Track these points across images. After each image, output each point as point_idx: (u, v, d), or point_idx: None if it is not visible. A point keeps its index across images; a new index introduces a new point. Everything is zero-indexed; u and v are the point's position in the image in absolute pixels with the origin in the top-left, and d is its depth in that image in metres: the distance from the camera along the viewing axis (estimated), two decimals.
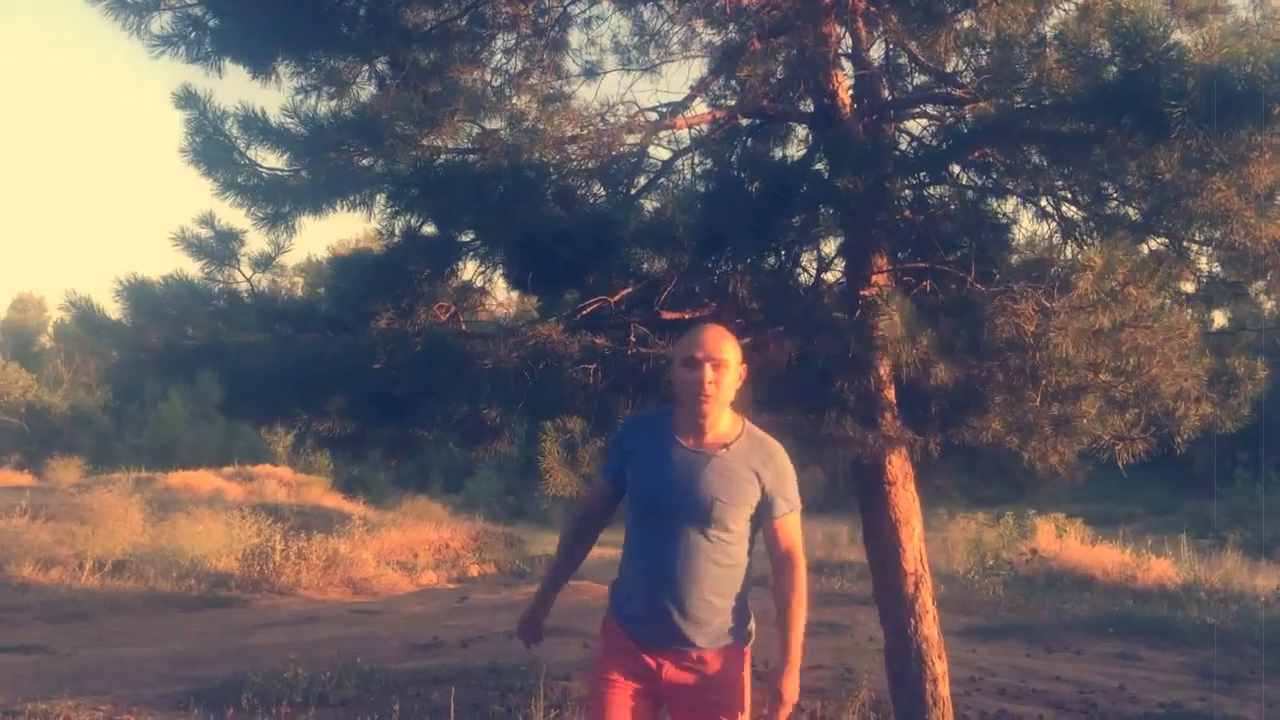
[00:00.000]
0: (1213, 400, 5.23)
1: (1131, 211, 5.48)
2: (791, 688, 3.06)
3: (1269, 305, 10.61)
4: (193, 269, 5.68)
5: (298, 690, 6.71)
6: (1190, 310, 5.79)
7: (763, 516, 3.09)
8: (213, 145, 5.17)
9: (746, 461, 3.06)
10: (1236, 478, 25.23)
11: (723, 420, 3.08)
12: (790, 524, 3.13)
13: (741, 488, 3.04)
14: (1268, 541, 18.99)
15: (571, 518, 3.46)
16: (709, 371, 2.97)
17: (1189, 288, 6.00)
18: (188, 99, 5.11)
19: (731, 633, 3.11)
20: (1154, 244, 5.61)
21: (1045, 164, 5.06)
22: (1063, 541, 16.08)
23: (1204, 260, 5.86)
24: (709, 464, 3.03)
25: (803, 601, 3.11)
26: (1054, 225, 5.77)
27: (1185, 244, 5.53)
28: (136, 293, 5.47)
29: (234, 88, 5.60)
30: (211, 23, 5.34)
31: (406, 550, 17.37)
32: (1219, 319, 7.27)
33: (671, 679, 3.08)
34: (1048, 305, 4.16)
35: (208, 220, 5.59)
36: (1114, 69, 3.88)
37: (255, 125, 5.04)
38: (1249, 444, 28.90)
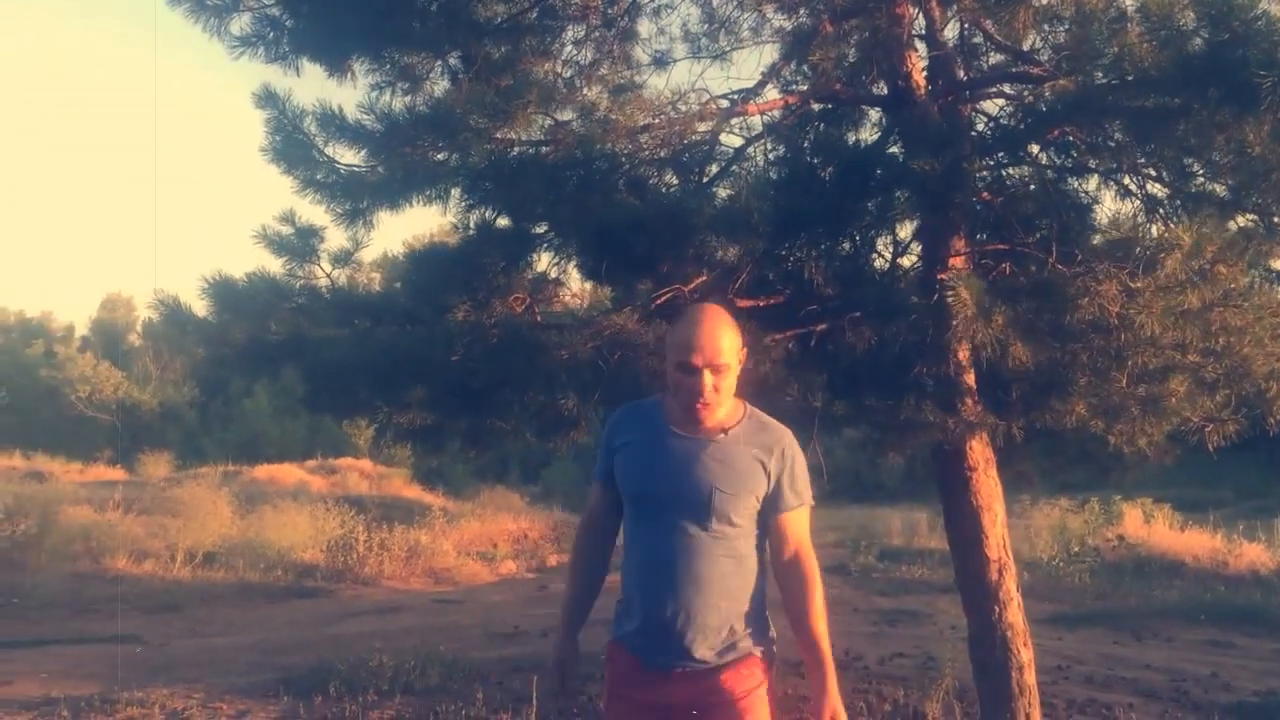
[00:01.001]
0: None
1: (1218, 188, 5.32)
2: (836, 705, 2.69)
3: None
4: (274, 266, 5.79)
5: (383, 678, 6.83)
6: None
7: (768, 511, 2.74)
8: (292, 143, 5.26)
9: (750, 447, 2.72)
10: None
11: (722, 409, 2.74)
12: (799, 520, 2.77)
13: (744, 476, 2.70)
14: None
15: (576, 537, 3.05)
16: (708, 379, 2.64)
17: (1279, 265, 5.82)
18: (267, 98, 5.20)
19: (745, 644, 2.71)
20: (1242, 221, 5.45)
21: (1127, 141, 4.94)
22: (1150, 527, 15.75)
23: None
24: (706, 450, 2.70)
25: (822, 610, 2.75)
26: (1137, 204, 5.63)
27: (1276, 220, 5.35)
28: (221, 290, 5.59)
29: (311, 86, 5.71)
30: (288, 23, 5.42)
31: (486, 540, 17.58)
32: None
33: (683, 704, 2.68)
34: (1133, 286, 4.06)
35: (288, 218, 5.69)
36: (1199, 40, 3.77)
37: (332, 122, 5.11)
38: None
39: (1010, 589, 5.32)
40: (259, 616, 10.80)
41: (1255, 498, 24.53)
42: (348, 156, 5.33)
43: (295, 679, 6.99)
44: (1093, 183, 5.53)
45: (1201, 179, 5.40)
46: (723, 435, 2.72)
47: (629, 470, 2.79)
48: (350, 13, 5.25)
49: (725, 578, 2.67)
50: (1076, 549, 14.29)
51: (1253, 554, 13.81)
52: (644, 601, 2.71)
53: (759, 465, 2.71)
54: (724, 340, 2.65)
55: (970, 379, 5.04)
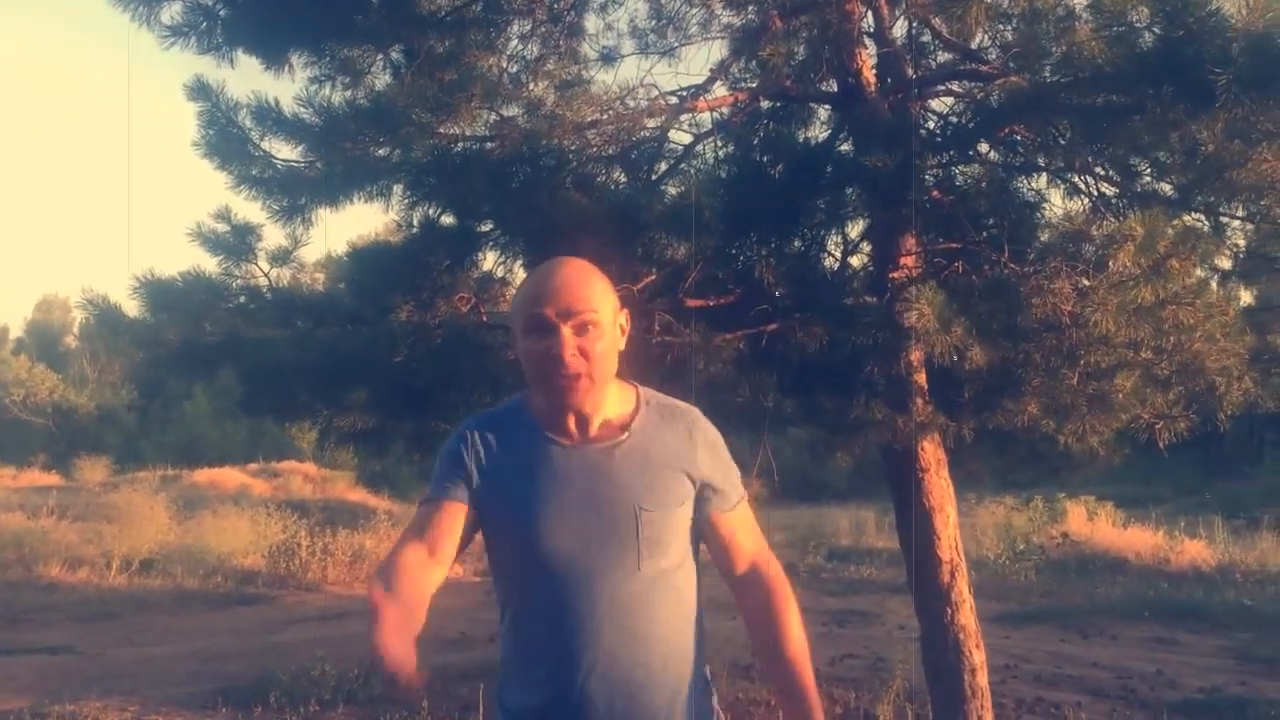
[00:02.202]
0: (1254, 378, 5.08)
1: (1165, 187, 5.34)
2: None
3: None
4: (210, 265, 5.62)
5: (326, 687, 6.69)
6: (1227, 286, 5.66)
7: (701, 519, 2.06)
8: (226, 137, 5.09)
9: (662, 443, 2.04)
10: (1266, 457, 25.00)
11: (608, 399, 2.03)
12: (745, 517, 2.12)
13: (667, 482, 2.00)
14: None
15: (387, 561, 1.98)
16: (568, 336, 1.91)
17: (1226, 264, 5.87)
18: (200, 90, 5.03)
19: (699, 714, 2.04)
20: (1189, 220, 5.47)
21: (1076, 139, 4.93)
22: (1094, 525, 15.90)
23: (1241, 237, 5.72)
24: (610, 459, 1.99)
25: (802, 633, 2.09)
26: (1086, 203, 5.63)
27: (1223, 219, 5.38)
28: (153, 290, 5.40)
29: (247, 79, 5.53)
30: (222, 13, 5.25)
31: None
32: (1245, 297, 7.12)
33: None
34: (1086, 283, 4.03)
35: (224, 215, 5.50)
36: (1152, 36, 3.74)
37: (269, 116, 4.96)
38: (1277, 424, 28.68)
39: (962, 590, 5.29)
40: (198, 625, 10.55)
41: (1193, 495, 24.94)
42: (285, 151, 5.18)
43: (235, 689, 6.82)
44: (1042, 181, 5.53)
45: (1148, 178, 5.42)
46: (624, 436, 2.02)
47: (514, 514, 1.97)
48: (288, 4, 5.10)
49: (671, 631, 1.98)
50: (1022, 547, 14.39)
51: (1194, 550, 13.98)
52: (559, 694, 1.94)
53: (678, 463, 2.03)
54: (588, 288, 1.96)
55: (922, 379, 5.00)
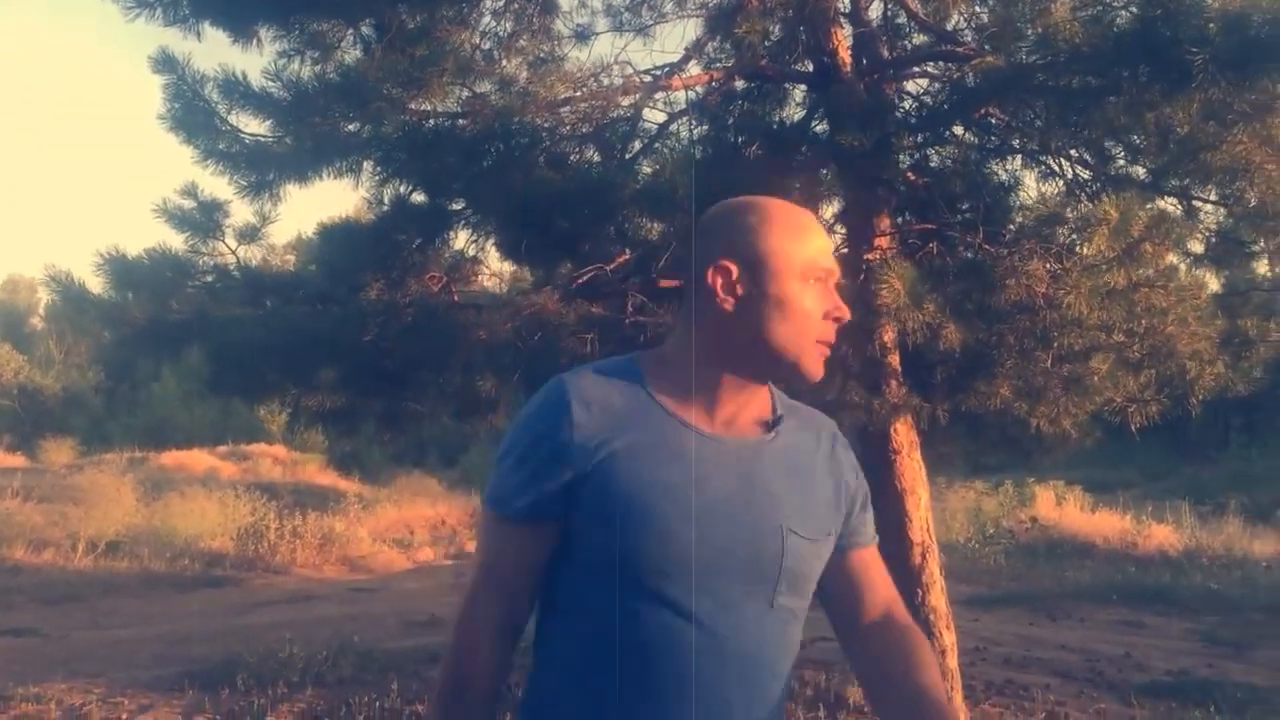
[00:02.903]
0: (1225, 362, 5.10)
1: (1138, 170, 5.35)
2: None
3: (1263, 269, 10.56)
4: (177, 242, 5.53)
5: (293, 670, 6.62)
6: (1200, 271, 5.69)
7: (837, 551, 1.61)
8: (193, 111, 5.00)
9: (807, 453, 1.61)
10: (1232, 443, 25.27)
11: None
12: (879, 558, 1.70)
13: (817, 504, 1.57)
14: (1266, 506, 18.99)
15: (466, 642, 1.50)
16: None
17: (1198, 248, 5.88)
18: (165, 63, 4.94)
19: None
20: (1161, 204, 5.48)
21: (1051, 121, 4.92)
22: (1062, 509, 16.04)
23: (1214, 221, 5.74)
24: (760, 461, 1.52)
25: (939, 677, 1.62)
26: (1060, 186, 5.64)
27: (1196, 203, 5.39)
28: (118, 267, 5.31)
29: (214, 52, 5.43)
30: None
31: (402, 527, 17.29)
32: (1214, 282, 7.16)
33: None
34: (1059, 266, 4.02)
35: (190, 191, 5.42)
36: (1129, 16, 3.73)
37: (236, 90, 4.88)
38: (1244, 410, 29.03)
39: (934, 572, 5.30)
40: (164, 607, 10.44)
41: (1161, 479, 25.21)
42: (253, 126, 5.11)
43: (201, 672, 6.74)
44: (1017, 163, 5.53)
45: (1122, 162, 5.42)
46: (770, 434, 1.57)
47: (635, 512, 1.42)
48: None
49: (782, 689, 1.54)
50: (992, 531, 14.50)
51: (1161, 535, 14.12)
52: None
53: (828, 482, 1.61)
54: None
55: (896, 361, 5.00)
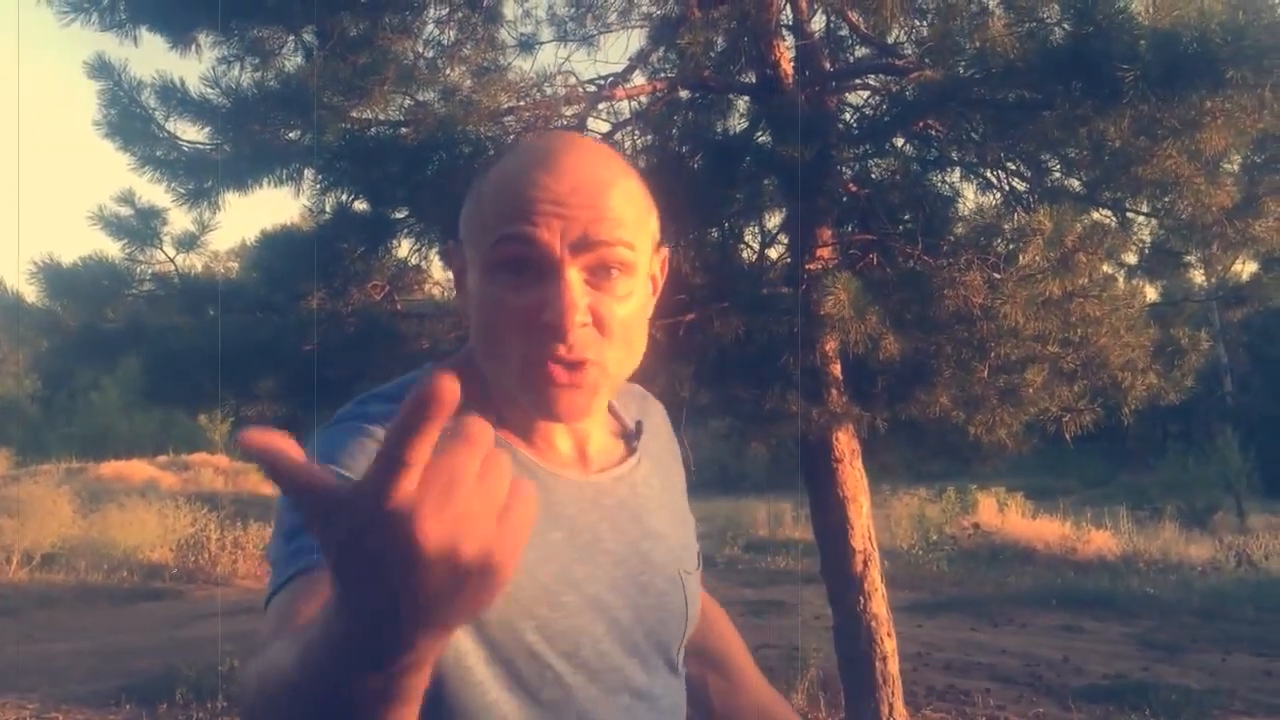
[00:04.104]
0: (1157, 371, 5.21)
1: (1074, 183, 5.44)
2: None
3: (1199, 279, 10.79)
4: (113, 249, 5.45)
5: (233, 683, 6.52)
6: (1136, 281, 5.80)
7: None
8: (129, 117, 4.93)
9: (666, 449, 1.29)
10: (1169, 450, 25.74)
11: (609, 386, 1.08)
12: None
13: (686, 523, 1.26)
14: (1201, 512, 19.39)
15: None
16: (575, 284, 0.99)
17: (1132, 259, 6.00)
18: (101, 68, 4.86)
19: None
20: (1097, 216, 5.59)
21: (988, 134, 5.00)
22: (1004, 515, 16.25)
23: (1146, 232, 5.85)
24: (634, 497, 1.16)
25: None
26: (998, 197, 5.73)
27: (1129, 215, 5.50)
28: (52, 275, 5.23)
29: (151, 58, 5.36)
30: None
31: None
32: (1151, 293, 7.30)
33: None
34: (996, 276, 4.08)
35: (127, 198, 5.34)
36: (1063, 32, 3.80)
37: (174, 96, 4.81)
38: (1180, 417, 29.59)
39: (875, 579, 5.35)
40: (102, 620, 10.26)
41: (1099, 486, 25.63)
42: (191, 133, 5.03)
43: (139, 686, 6.64)
44: (956, 175, 5.60)
45: (1058, 174, 5.52)
46: (631, 455, 1.20)
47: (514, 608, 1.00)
48: None
49: None
50: (934, 537, 14.65)
51: (1100, 540, 14.37)
52: None
53: (681, 484, 1.30)
54: (623, 198, 1.04)
55: (837, 370, 5.04)
